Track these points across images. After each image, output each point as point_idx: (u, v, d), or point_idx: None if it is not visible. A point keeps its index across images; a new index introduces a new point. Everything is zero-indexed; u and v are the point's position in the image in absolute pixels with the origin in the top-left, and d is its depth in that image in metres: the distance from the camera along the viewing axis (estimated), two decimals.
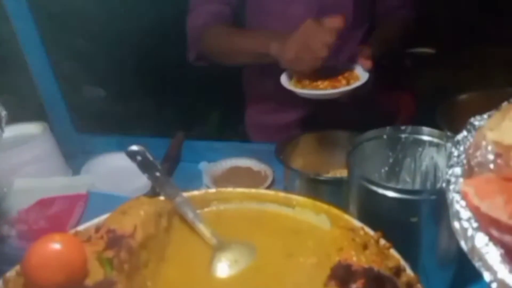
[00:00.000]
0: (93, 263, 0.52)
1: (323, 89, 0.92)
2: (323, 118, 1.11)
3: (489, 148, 0.45)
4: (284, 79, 0.95)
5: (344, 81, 0.93)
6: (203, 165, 1.07)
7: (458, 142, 0.47)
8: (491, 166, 0.44)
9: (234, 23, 1.15)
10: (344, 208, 0.66)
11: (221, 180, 1.01)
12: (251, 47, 1.03)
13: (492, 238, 0.34)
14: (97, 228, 0.58)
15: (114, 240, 0.55)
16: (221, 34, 1.10)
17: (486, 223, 0.33)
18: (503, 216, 0.31)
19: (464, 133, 0.48)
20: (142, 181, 0.96)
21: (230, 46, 1.08)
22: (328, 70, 0.95)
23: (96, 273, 0.51)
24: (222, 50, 1.11)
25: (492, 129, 0.44)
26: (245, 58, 1.08)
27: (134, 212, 0.60)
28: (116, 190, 0.93)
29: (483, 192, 0.33)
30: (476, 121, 0.50)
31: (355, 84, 0.92)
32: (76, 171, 1.04)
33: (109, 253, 0.53)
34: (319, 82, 0.94)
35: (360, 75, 0.95)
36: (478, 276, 0.73)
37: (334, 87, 0.92)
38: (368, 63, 0.95)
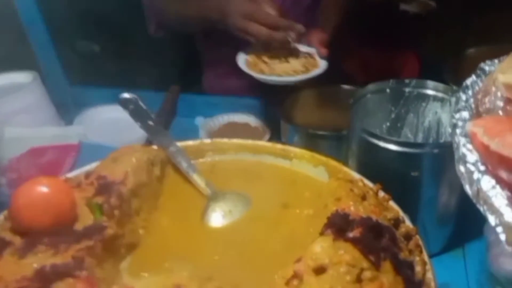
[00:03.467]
0: (82, 209, 0.51)
1: (280, 75, 0.88)
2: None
3: (499, 94, 0.43)
4: (241, 60, 0.91)
5: (303, 68, 0.90)
6: (199, 120, 1.04)
7: (466, 87, 0.45)
8: (500, 112, 0.42)
9: None
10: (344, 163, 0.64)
11: (217, 136, 0.98)
12: (200, 14, 0.99)
13: (499, 181, 0.33)
14: (87, 175, 0.56)
15: (104, 186, 0.53)
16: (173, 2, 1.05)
17: (495, 163, 0.31)
18: None
19: (473, 77, 0.45)
20: (137, 133, 0.93)
21: (183, 13, 1.03)
22: (285, 52, 0.92)
23: (86, 218, 0.50)
24: (177, 18, 1.06)
25: (504, 72, 0.41)
26: (199, 25, 1.04)
27: (125, 159, 0.58)
28: (111, 142, 0.91)
29: (493, 131, 0.31)
30: (487, 66, 0.47)
31: (314, 73, 0.88)
32: (68, 123, 1.01)
33: (99, 199, 0.52)
34: (276, 66, 0.90)
35: (318, 61, 0.91)
36: (476, 232, 0.73)
37: (292, 74, 0.88)
38: (325, 51, 0.91)
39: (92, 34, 1.49)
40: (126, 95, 0.69)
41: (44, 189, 0.46)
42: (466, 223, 0.73)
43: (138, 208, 0.56)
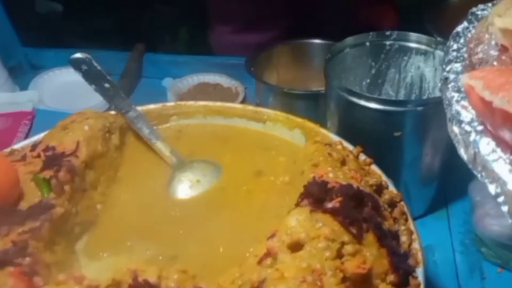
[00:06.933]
0: (28, 185, 0.45)
1: None
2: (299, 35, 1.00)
3: (493, 42, 0.38)
4: None
5: None
6: (167, 82, 0.97)
7: (457, 35, 0.39)
8: (495, 63, 0.37)
9: None
10: (322, 124, 0.59)
11: (187, 98, 0.92)
12: None
13: (501, 143, 0.28)
14: (34, 146, 0.50)
15: (53, 159, 0.47)
16: None
17: (498, 122, 0.26)
18: None
19: (465, 24, 0.40)
20: (99, 98, 0.86)
21: None
22: None
23: (32, 195, 0.44)
24: None
25: (500, 14, 0.36)
26: None
27: (77, 127, 0.51)
28: (70, 108, 0.84)
29: (496, 85, 0.26)
30: (479, 10, 0.42)
31: None
32: (24, 88, 0.92)
33: (47, 173, 0.46)
34: None
35: None
36: (460, 192, 0.70)
37: None
38: None
39: None
40: (78, 54, 0.62)
41: None
42: (450, 183, 0.70)
43: (94, 182, 0.50)
